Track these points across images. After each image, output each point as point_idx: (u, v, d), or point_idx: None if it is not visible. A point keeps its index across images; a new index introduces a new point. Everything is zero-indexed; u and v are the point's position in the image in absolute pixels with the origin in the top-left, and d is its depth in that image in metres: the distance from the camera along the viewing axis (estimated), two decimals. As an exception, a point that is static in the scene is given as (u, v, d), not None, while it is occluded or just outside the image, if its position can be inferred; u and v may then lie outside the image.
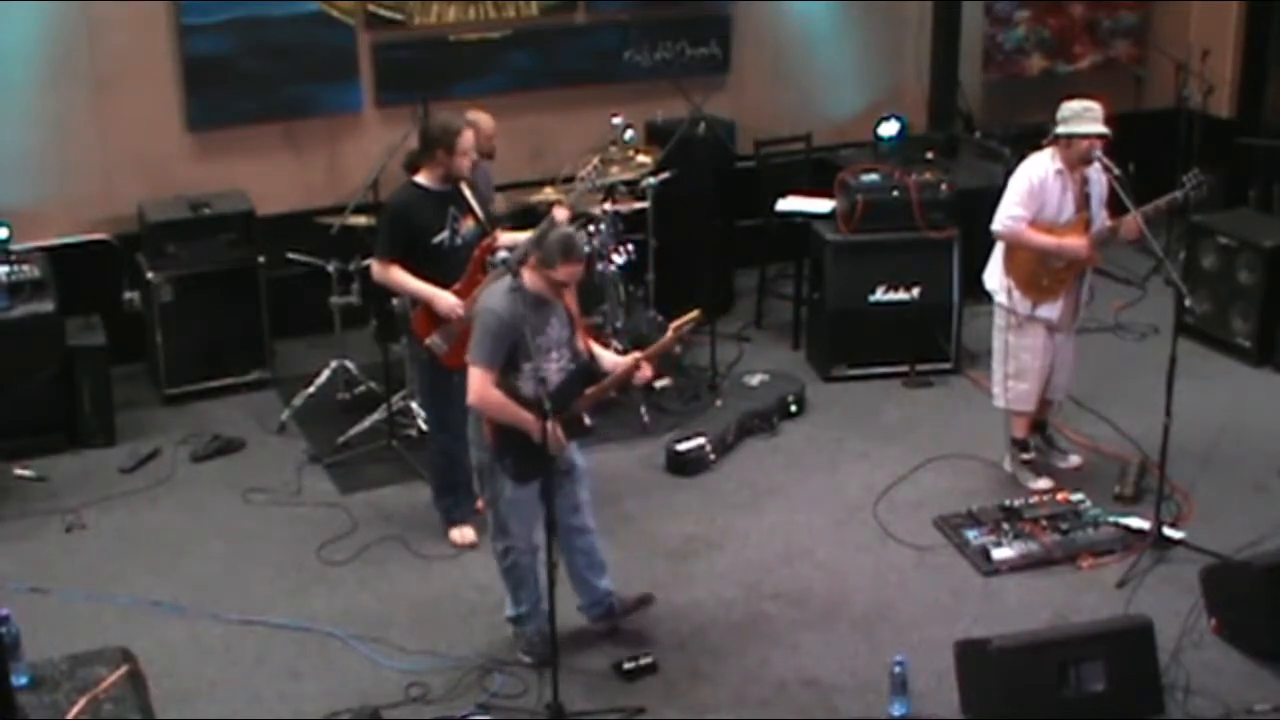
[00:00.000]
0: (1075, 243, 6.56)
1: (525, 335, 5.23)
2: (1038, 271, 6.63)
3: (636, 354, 5.54)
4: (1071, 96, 6.56)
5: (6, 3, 7.67)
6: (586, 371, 5.53)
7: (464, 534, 6.54)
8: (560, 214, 6.20)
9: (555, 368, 5.42)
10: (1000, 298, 6.76)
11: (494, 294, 5.38)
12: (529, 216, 7.63)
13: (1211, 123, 9.83)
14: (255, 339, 8.01)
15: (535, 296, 5.34)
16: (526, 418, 5.28)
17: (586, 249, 7.45)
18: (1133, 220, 6.43)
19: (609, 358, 5.66)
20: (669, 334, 5.54)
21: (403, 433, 7.38)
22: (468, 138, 6.17)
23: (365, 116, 8.58)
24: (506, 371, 5.33)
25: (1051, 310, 6.69)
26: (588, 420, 5.53)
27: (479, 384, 5.30)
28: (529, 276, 5.35)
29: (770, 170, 9.05)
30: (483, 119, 6.69)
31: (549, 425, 5.14)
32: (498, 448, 5.39)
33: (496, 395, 5.30)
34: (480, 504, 6.68)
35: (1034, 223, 6.55)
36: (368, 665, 5.70)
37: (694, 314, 5.53)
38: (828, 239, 8.10)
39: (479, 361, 5.31)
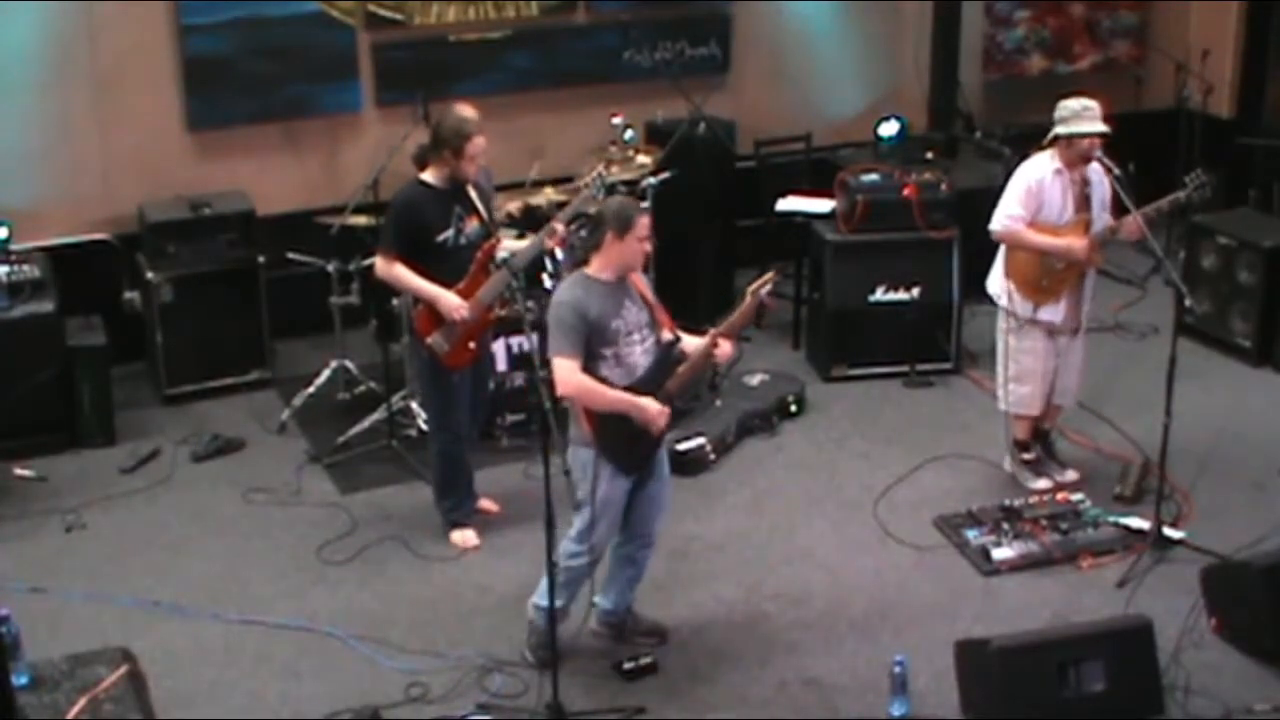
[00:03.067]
0: (1074, 243, 6.54)
1: (599, 321, 5.24)
2: (1037, 273, 6.62)
3: (713, 331, 5.44)
4: (1068, 95, 6.57)
5: (7, 2, 7.67)
6: (673, 355, 5.48)
7: (465, 537, 6.53)
8: (559, 228, 6.18)
9: (640, 349, 5.40)
10: (1002, 301, 6.75)
11: (562, 287, 5.42)
12: (528, 216, 7.63)
13: (1211, 123, 9.82)
14: (255, 339, 8.01)
15: (605, 283, 5.34)
16: (621, 396, 5.26)
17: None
18: (1133, 221, 6.42)
19: (689, 341, 5.54)
20: (747, 299, 5.39)
21: (403, 433, 7.37)
22: (477, 144, 6.14)
23: (365, 116, 8.58)
24: (589, 361, 5.29)
25: (1053, 313, 6.68)
26: (680, 403, 5.52)
27: (565, 373, 5.23)
28: (595, 264, 5.36)
29: (770, 170, 9.05)
30: (468, 113, 6.63)
31: (645, 401, 5.20)
32: (599, 438, 5.32)
33: (585, 380, 5.24)
34: (482, 504, 6.70)
35: (1034, 224, 6.54)
36: (368, 665, 5.70)
37: (770, 274, 5.42)
38: (828, 239, 8.10)
39: (560, 352, 5.23)
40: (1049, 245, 6.55)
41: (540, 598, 5.65)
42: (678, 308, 7.39)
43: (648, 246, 5.41)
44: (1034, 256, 6.60)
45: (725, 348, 5.43)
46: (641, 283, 5.53)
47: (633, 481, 5.48)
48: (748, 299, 5.39)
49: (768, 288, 5.39)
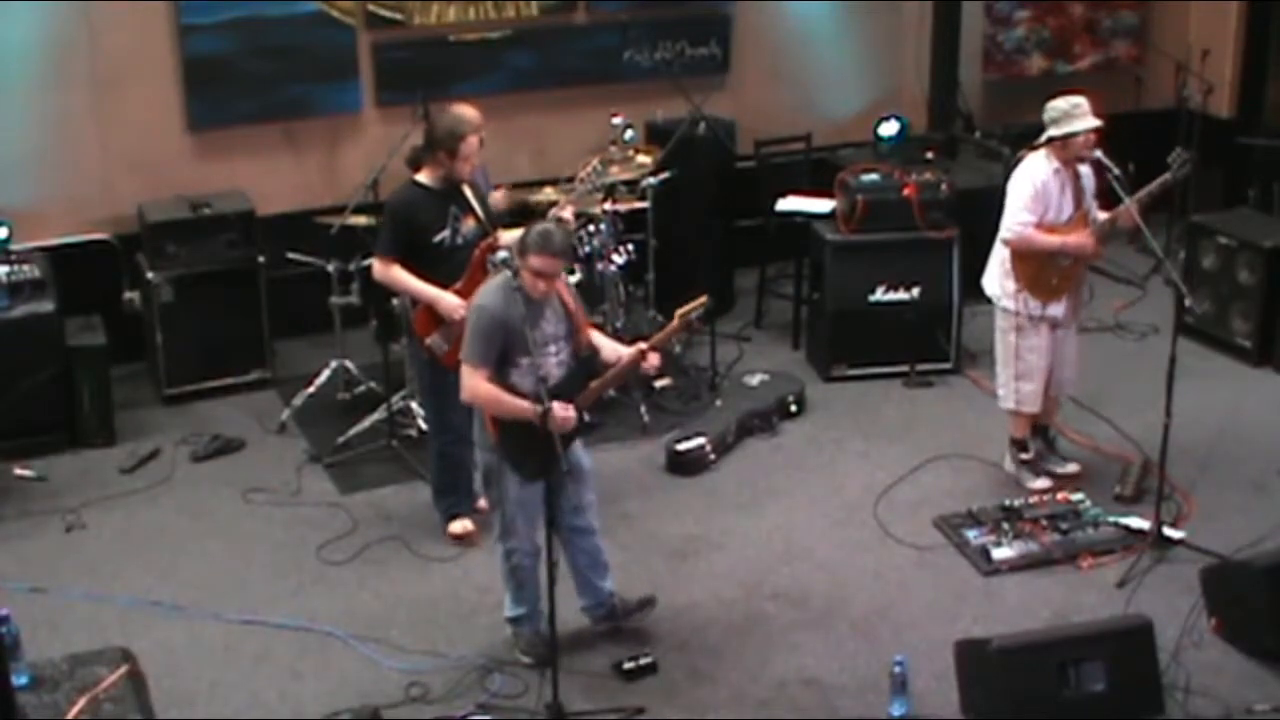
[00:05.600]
0: (1081, 239, 6.57)
1: (518, 330, 5.24)
2: (1047, 272, 6.63)
3: (641, 344, 5.48)
4: (1054, 95, 6.57)
5: (7, 3, 7.68)
6: (588, 366, 5.52)
7: (464, 525, 6.53)
8: (566, 213, 6.17)
9: (554, 361, 5.43)
10: (1005, 302, 6.73)
11: (487, 291, 5.40)
12: (527, 215, 7.63)
13: (1211, 123, 9.82)
14: (255, 339, 8.01)
15: (529, 292, 5.37)
16: (522, 406, 5.27)
17: (586, 250, 7.48)
18: (1128, 209, 6.44)
19: (612, 349, 5.60)
20: (675, 321, 5.46)
21: (403, 433, 7.38)
22: (471, 144, 6.14)
23: (365, 116, 8.58)
24: (503, 368, 5.34)
25: (1059, 308, 6.70)
26: (589, 417, 5.52)
27: (469, 380, 5.33)
28: (525, 272, 5.38)
29: (770, 170, 9.05)
30: (469, 114, 6.64)
31: (552, 409, 5.12)
32: (500, 444, 5.40)
33: (486, 389, 5.31)
34: (481, 504, 6.70)
35: (1039, 225, 6.56)
36: (368, 665, 5.70)
37: (701, 300, 5.47)
38: (828, 239, 8.10)
39: (469, 358, 5.34)
40: (1061, 246, 6.56)
41: (508, 609, 5.72)
42: (677, 308, 7.41)
43: (546, 284, 5.35)
44: (1044, 257, 6.60)
45: (653, 360, 5.47)
46: (565, 290, 5.53)
47: (543, 482, 5.41)
48: (675, 321, 5.45)
49: (697, 314, 5.44)
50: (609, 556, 5.88)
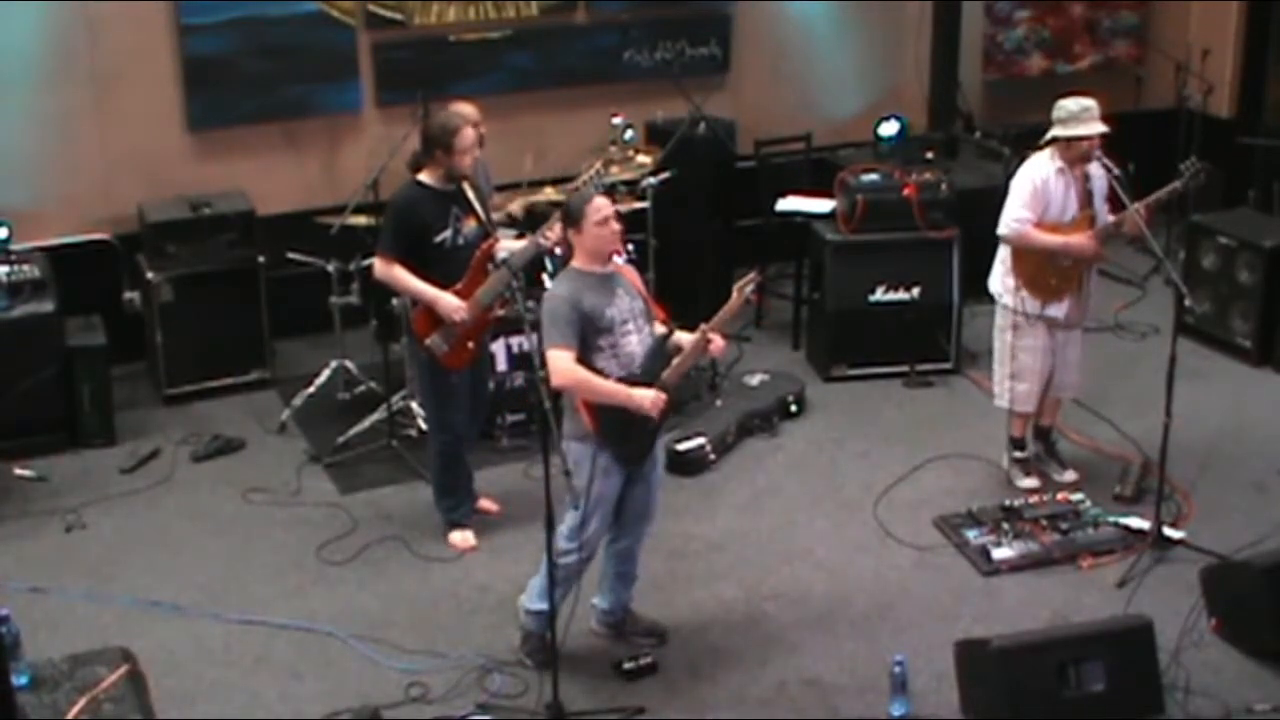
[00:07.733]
0: (1081, 240, 6.56)
1: (591, 311, 5.27)
2: (1045, 271, 6.63)
3: (704, 326, 5.43)
4: (1066, 94, 6.57)
5: (7, 2, 7.68)
6: (668, 342, 5.49)
7: (465, 538, 6.53)
8: (553, 232, 6.12)
9: (635, 339, 5.41)
10: (1005, 299, 6.74)
11: (554, 283, 5.50)
12: (530, 216, 7.64)
13: (1211, 123, 9.83)
14: (255, 339, 8.01)
15: (593, 274, 5.38)
16: (617, 388, 5.27)
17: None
18: (1134, 214, 6.43)
19: (682, 336, 5.55)
20: (734, 296, 5.43)
21: (403, 433, 7.38)
22: (466, 136, 6.14)
23: (365, 116, 8.58)
24: (586, 353, 5.31)
25: (1059, 309, 6.69)
26: (675, 394, 5.52)
27: (560, 364, 5.23)
28: (577, 259, 5.42)
29: (770, 170, 9.05)
30: (466, 110, 6.64)
31: (639, 392, 5.22)
32: (599, 431, 5.33)
33: (580, 371, 5.25)
34: (482, 504, 6.71)
35: (1039, 223, 6.55)
36: (368, 665, 5.70)
37: (753, 275, 5.49)
38: (828, 239, 8.10)
39: (554, 344, 5.26)
40: (1057, 244, 6.55)
41: (530, 601, 5.67)
42: (678, 308, 7.41)
43: (612, 227, 5.38)
44: (1042, 256, 6.60)
45: (717, 342, 5.45)
46: (634, 276, 5.58)
47: (625, 478, 5.48)
48: (734, 296, 5.43)
49: (751, 286, 5.44)
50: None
